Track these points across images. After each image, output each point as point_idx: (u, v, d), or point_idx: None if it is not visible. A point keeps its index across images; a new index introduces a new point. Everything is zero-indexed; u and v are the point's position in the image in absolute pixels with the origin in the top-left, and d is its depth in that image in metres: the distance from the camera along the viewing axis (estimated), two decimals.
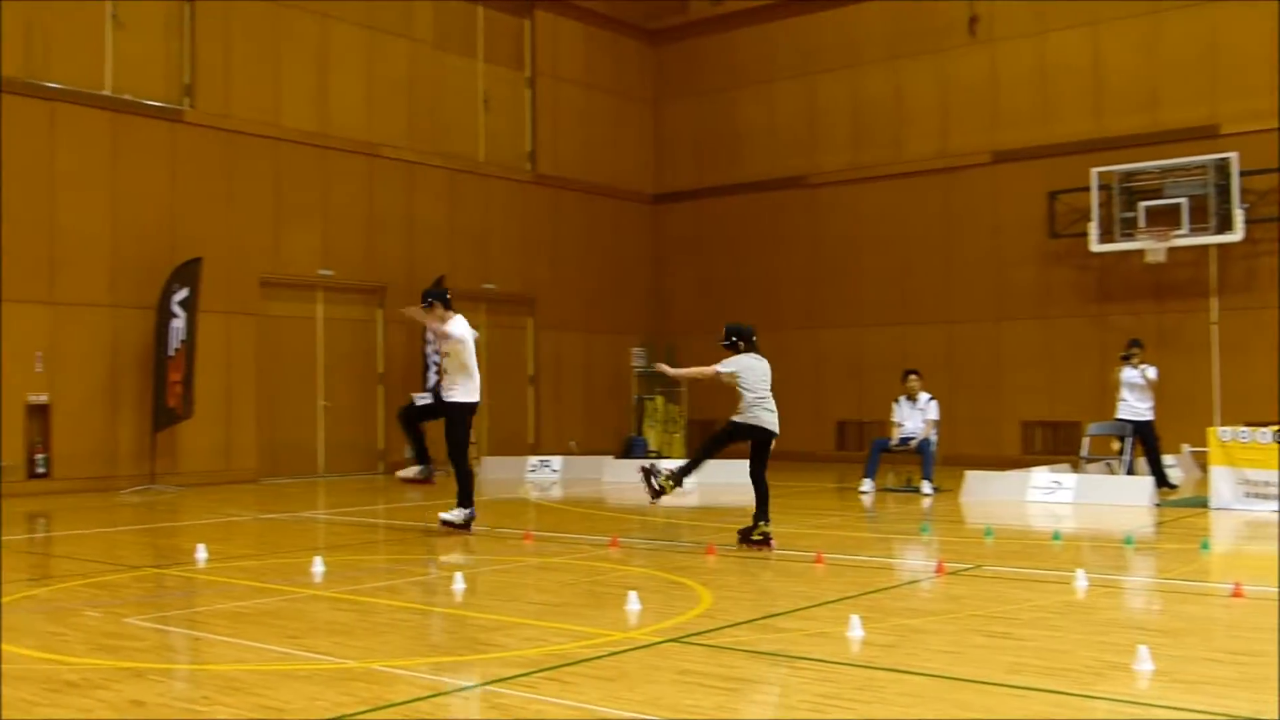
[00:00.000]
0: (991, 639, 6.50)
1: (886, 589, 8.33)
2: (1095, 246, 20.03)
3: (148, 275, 17.64)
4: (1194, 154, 19.33)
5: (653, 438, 24.35)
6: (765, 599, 7.80)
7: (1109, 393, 16.36)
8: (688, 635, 6.55)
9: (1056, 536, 11.05)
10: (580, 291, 24.57)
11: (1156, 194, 19.58)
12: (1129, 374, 15.68)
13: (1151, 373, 15.56)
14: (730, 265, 25.07)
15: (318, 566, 9.09)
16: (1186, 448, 18.15)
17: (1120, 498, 14.06)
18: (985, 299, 21.96)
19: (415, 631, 7.05)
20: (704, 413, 25.05)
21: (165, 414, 17.38)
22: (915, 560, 10.26)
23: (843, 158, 23.79)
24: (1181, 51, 20.18)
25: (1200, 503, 13.78)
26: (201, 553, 9.95)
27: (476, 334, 12.23)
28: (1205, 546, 10.41)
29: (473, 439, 12.56)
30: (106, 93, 17.78)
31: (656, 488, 10.77)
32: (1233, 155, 18.88)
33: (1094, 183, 19.93)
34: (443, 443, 11.57)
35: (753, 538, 10.40)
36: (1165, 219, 19.40)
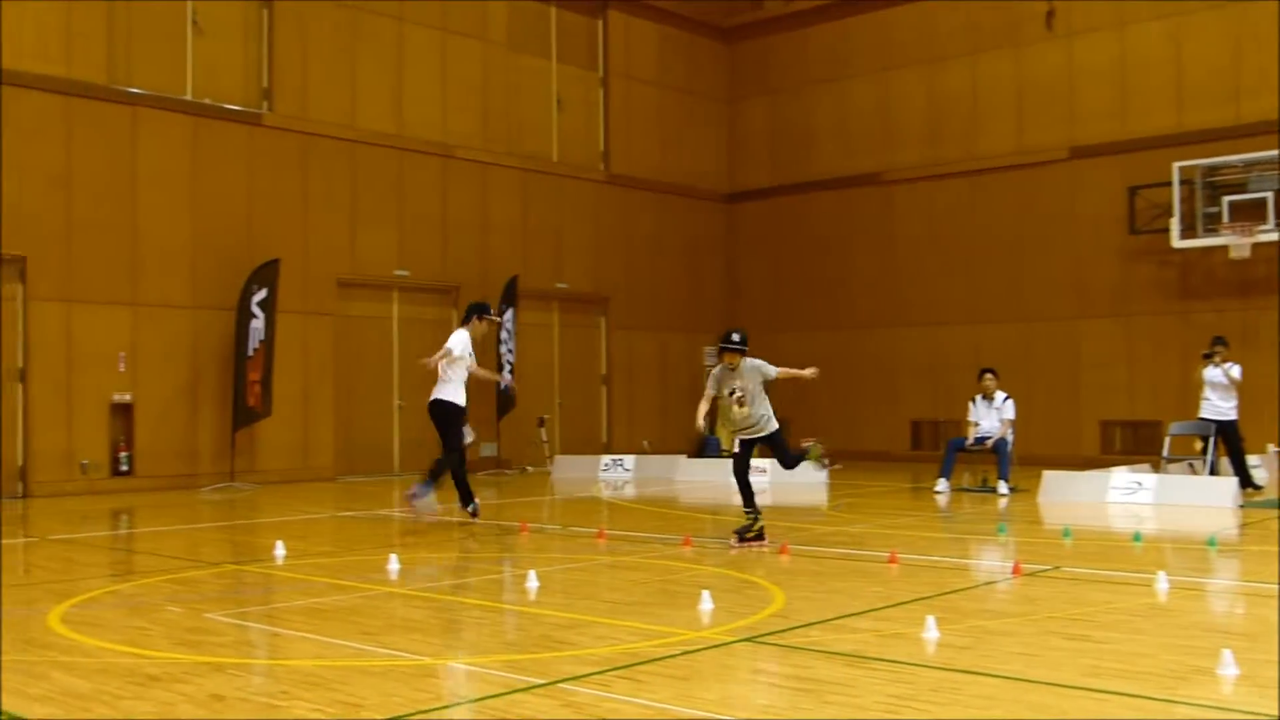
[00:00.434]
0: (1069, 641, 6.40)
1: (962, 590, 8.24)
2: (1177, 242, 19.66)
3: (227, 276, 17.94)
4: (1279, 148, 18.91)
5: (726, 438, 24.30)
6: (839, 599, 7.75)
7: (1191, 392, 16.06)
8: (761, 635, 6.53)
9: (1137, 538, 10.86)
10: (653, 291, 24.58)
11: (1240, 188, 19.18)
12: (1212, 372, 15.38)
13: (1235, 371, 15.25)
14: (804, 264, 24.95)
15: (393, 564, 9.18)
16: (1272, 448, 17.76)
17: (1203, 499, 13.78)
18: (1063, 296, 21.64)
19: (489, 629, 7.09)
20: (777, 411, 24.95)
21: (244, 413, 17.66)
22: (991, 561, 10.14)
23: (917, 154, 23.58)
24: (1265, 43, 19.72)
25: None
26: (280, 550, 10.09)
27: (468, 348, 12.39)
28: None
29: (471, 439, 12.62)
30: (187, 97, 18.10)
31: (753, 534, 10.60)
32: None
33: (1175, 178, 19.57)
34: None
35: (754, 530, 10.55)
36: (1249, 214, 18.99)
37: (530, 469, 21.23)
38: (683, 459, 20.22)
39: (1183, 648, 6.21)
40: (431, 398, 12.49)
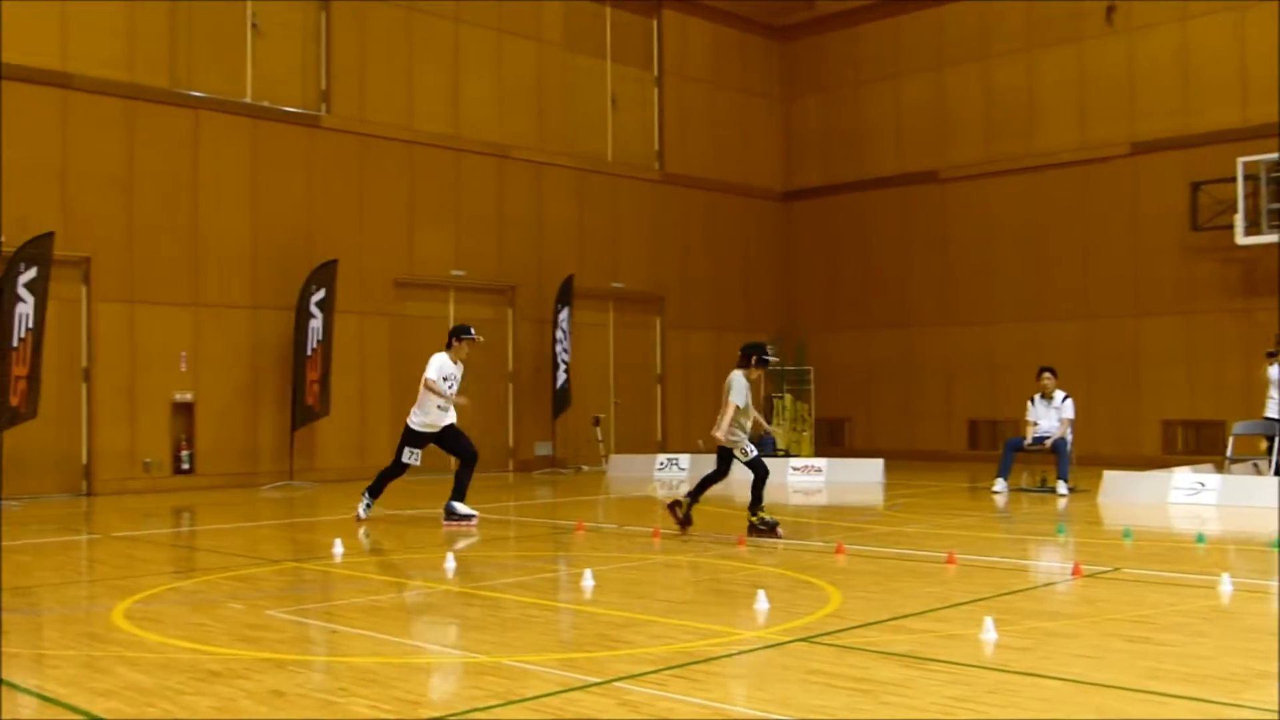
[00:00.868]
0: (1131, 644, 6.32)
1: (1021, 591, 8.16)
2: (1241, 239, 19.35)
3: (286, 277, 18.14)
4: None
5: (781, 436, 24.23)
6: (895, 599, 7.70)
7: (1255, 391, 15.80)
8: (816, 635, 6.50)
9: (1200, 539, 10.70)
10: (708, 290, 24.56)
11: None
12: (1276, 371, 15.13)
13: None
14: (859, 262, 24.83)
15: (450, 562, 9.23)
16: None
17: (1267, 500, 13.53)
18: (1124, 294, 21.38)
19: (545, 627, 7.12)
20: (832, 411, 24.89)
21: (303, 412, 17.84)
22: (1051, 562, 10.03)
23: (974, 152, 23.38)
24: None
25: None
26: (339, 548, 10.18)
27: (445, 371, 12.66)
28: None
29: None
30: (247, 100, 18.32)
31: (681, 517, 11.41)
32: None
33: (1239, 173, 19.25)
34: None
35: (770, 522, 11.07)
36: None
37: (586, 468, 21.28)
38: None
39: (1246, 651, 6.11)
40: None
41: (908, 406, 23.82)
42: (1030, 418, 16.08)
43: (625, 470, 20.23)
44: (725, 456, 11.49)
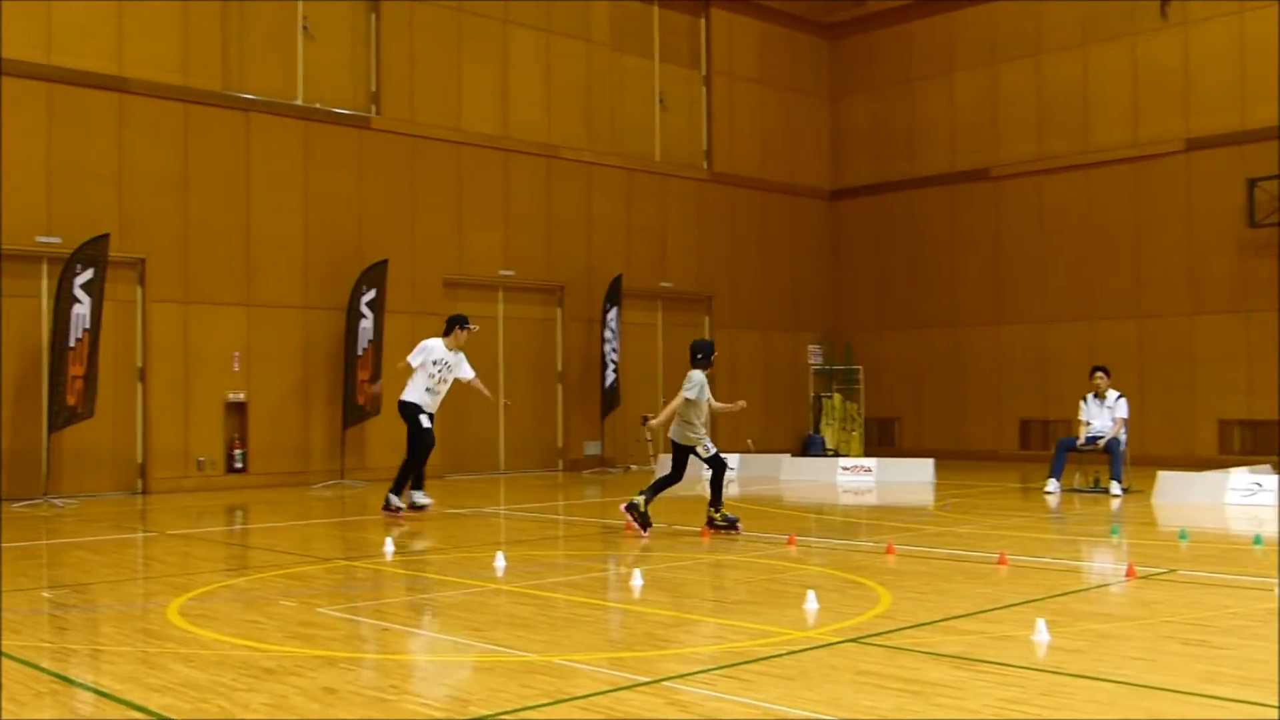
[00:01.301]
0: (1186, 646, 6.24)
1: (1074, 592, 8.08)
2: None
3: (337, 277, 18.29)
4: None
5: (830, 436, 24.16)
6: (946, 600, 7.64)
7: None
8: (866, 636, 6.47)
9: (1258, 541, 10.54)
10: (757, 289, 24.51)
11: None
12: None
13: None
14: (909, 261, 24.69)
15: (499, 561, 9.26)
16: None
17: None
18: (1178, 292, 21.11)
19: (594, 626, 7.13)
20: (882, 410, 24.76)
21: (354, 411, 17.97)
22: (1104, 563, 9.93)
23: (1027, 149, 23.17)
24: None
25: None
26: (389, 546, 10.25)
27: (434, 355, 13.30)
28: None
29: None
30: (298, 102, 18.48)
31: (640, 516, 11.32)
32: None
33: None
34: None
35: (719, 524, 11.20)
36: None
37: (634, 467, 21.30)
38: (787, 457, 20.15)
39: None
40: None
41: (958, 406, 23.65)
42: (1083, 417, 15.91)
43: None
44: (681, 456, 11.52)
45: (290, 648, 6.29)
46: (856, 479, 18.23)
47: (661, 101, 23.37)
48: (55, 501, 15.02)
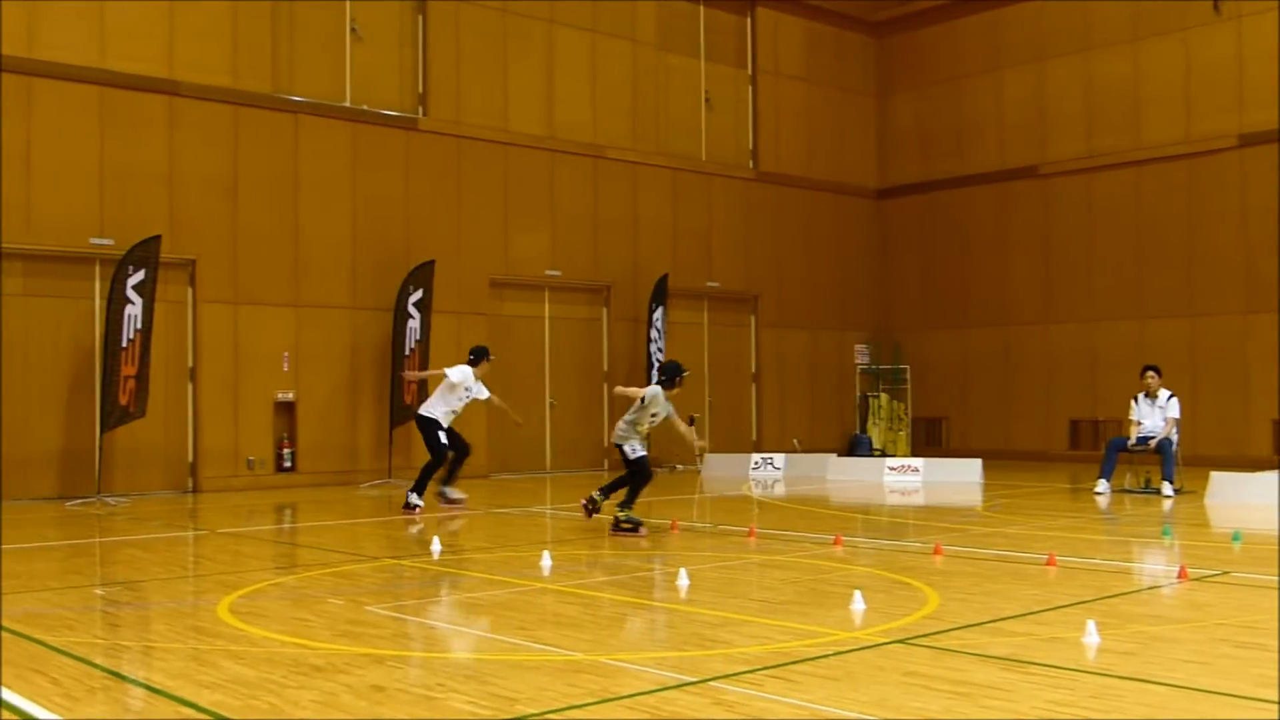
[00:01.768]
0: (1240, 649, 6.16)
1: (1124, 594, 7.99)
2: None
3: (385, 278, 18.41)
4: None
5: (877, 435, 24.05)
6: (994, 601, 7.59)
7: None
8: (914, 637, 6.43)
9: None
10: (803, 288, 24.43)
11: None
12: None
13: None
14: (957, 259, 24.52)
15: (545, 560, 9.29)
16: None
17: None
18: (1231, 290, 20.82)
19: (641, 626, 7.13)
20: (929, 410, 24.61)
21: (401, 411, 18.06)
22: (1156, 565, 9.82)
23: (1076, 146, 22.95)
24: None
25: None
26: (436, 545, 10.30)
27: (468, 382, 14.19)
28: None
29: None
30: (346, 104, 18.61)
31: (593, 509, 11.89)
32: None
33: None
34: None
35: (623, 526, 11.49)
36: None
37: (680, 467, 21.28)
38: (833, 457, 20.06)
39: None
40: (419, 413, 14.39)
41: (1006, 406, 23.47)
42: (1134, 417, 15.74)
43: (720, 470, 20.20)
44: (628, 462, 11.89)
45: (339, 645, 6.33)
46: (903, 479, 18.13)
47: (707, 101, 23.34)
48: (108, 500, 15.22)
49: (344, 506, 14.94)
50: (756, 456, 20.23)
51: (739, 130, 23.95)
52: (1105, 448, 16.06)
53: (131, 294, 15.35)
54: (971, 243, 24.32)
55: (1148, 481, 15.62)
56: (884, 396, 24.19)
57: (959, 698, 5.18)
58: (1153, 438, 15.38)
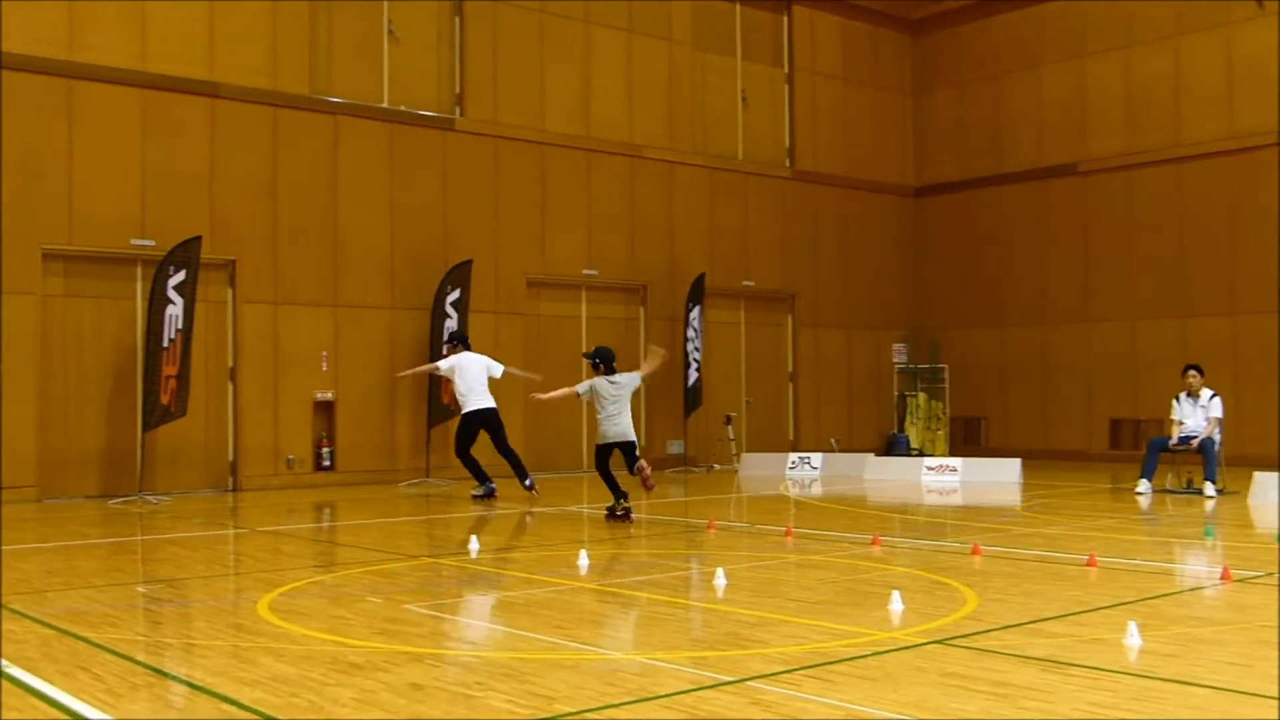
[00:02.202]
0: None
1: (1166, 595, 7.92)
2: None
3: (422, 277, 18.49)
4: None
5: (914, 435, 23.94)
6: (1034, 602, 7.54)
7: None
8: (952, 637, 6.40)
9: None
10: (840, 287, 24.36)
11: None
12: None
13: None
14: (995, 258, 24.37)
15: (583, 559, 9.30)
16: None
17: None
18: (1275, 287, 20.56)
19: (677, 625, 7.13)
20: (967, 409, 24.48)
21: (439, 410, 18.14)
22: (1198, 566, 9.72)
23: (1116, 143, 22.76)
24: None
25: None
26: (474, 544, 10.34)
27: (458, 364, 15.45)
28: None
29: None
30: (384, 105, 18.70)
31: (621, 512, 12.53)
32: None
33: None
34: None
35: (616, 513, 12.40)
36: None
37: (717, 467, 21.27)
38: (871, 457, 19.99)
39: None
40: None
41: (1046, 405, 23.30)
42: (1176, 417, 15.60)
43: (757, 469, 20.17)
44: (625, 449, 12.60)
45: (377, 643, 6.37)
46: (941, 479, 18.04)
47: (744, 100, 23.31)
48: (150, 498, 15.36)
49: (382, 505, 15.01)
50: (793, 456, 20.19)
51: (775, 129, 23.90)
52: (1146, 447, 15.92)
53: (172, 294, 15.48)
54: (1010, 241, 24.16)
55: (1189, 482, 15.48)
56: (922, 396, 24.08)
57: (998, 699, 5.15)
58: (1195, 437, 15.24)
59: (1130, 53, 22.61)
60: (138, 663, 5.96)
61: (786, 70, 24.02)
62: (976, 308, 24.65)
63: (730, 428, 21.75)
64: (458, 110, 19.51)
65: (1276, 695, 5.17)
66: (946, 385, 24.16)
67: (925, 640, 6.33)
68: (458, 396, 15.56)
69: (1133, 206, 22.42)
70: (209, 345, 16.90)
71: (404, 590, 8.26)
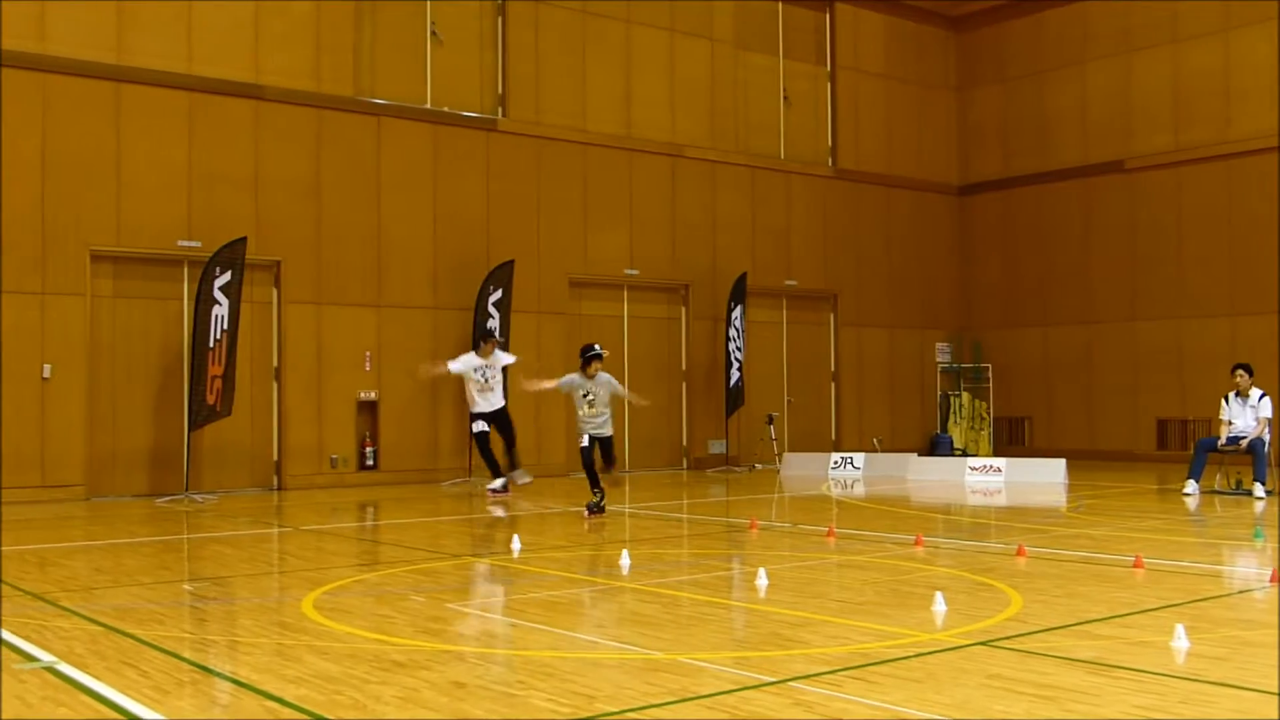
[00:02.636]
0: None
1: (1214, 597, 7.83)
2: None
3: (465, 278, 18.56)
4: None
5: (958, 435, 23.79)
6: (1079, 604, 7.47)
7: None
8: (996, 639, 6.35)
9: None
10: (883, 286, 24.24)
11: None
12: None
13: None
14: (1040, 256, 24.17)
15: (624, 559, 9.31)
16: None
17: None
18: None
19: (719, 625, 7.12)
20: (1011, 409, 24.30)
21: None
22: (1247, 568, 9.60)
23: (1163, 139, 22.51)
24: None
25: None
26: (516, 543, 10.37)
27: (473, 364, 15.70)
28: None
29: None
30: (427, 106, 18.79)
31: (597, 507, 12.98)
32: None
33: None
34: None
35: (600, 505, 12.90)
36: None
37: (759, 466, 21.23)
38: (914, 457, 19.89)
39: None
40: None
41: (1091, 405, 23.09)
42: (1224, 417, 15.41)
43: (799, 469, 20.11)
44: (603, 444, 13.15)
45: (420, 642, 6.40)
46: (985, 479, 17.92)
47: (786, 98, 23.24)
48: (195, 497, 15.52)
49: (425, 504, 15.09)
50: (836, 456, 20.11)
51: (818, 128, 23.81)
52: (1194, 448, 15.74)
53: (218, 295, 15.62)
54: (1055, 239, 23.96)
55: (1238, 483, 15.29)
56: (965, 395, 23.93)
57: (1043, 701, 5.10)
58: (1244, 438, 15.06)
59: (1178, 48, 22.36)
60: (184, 659, 6.02)
61: (829, 68, 23.93)
62: (1021, 306, 24.46)
63: (772, 427, 21.70)
64: (500, 111, 19.57)
65: (1276, 693, 5.10)
66: (990, 385, 24.00)
67: (969, 642, 6.29)
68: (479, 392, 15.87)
69: (1181, 204, 22.17)
70: (254, 345, 17.05)
71: (447, 589, 8.30)
